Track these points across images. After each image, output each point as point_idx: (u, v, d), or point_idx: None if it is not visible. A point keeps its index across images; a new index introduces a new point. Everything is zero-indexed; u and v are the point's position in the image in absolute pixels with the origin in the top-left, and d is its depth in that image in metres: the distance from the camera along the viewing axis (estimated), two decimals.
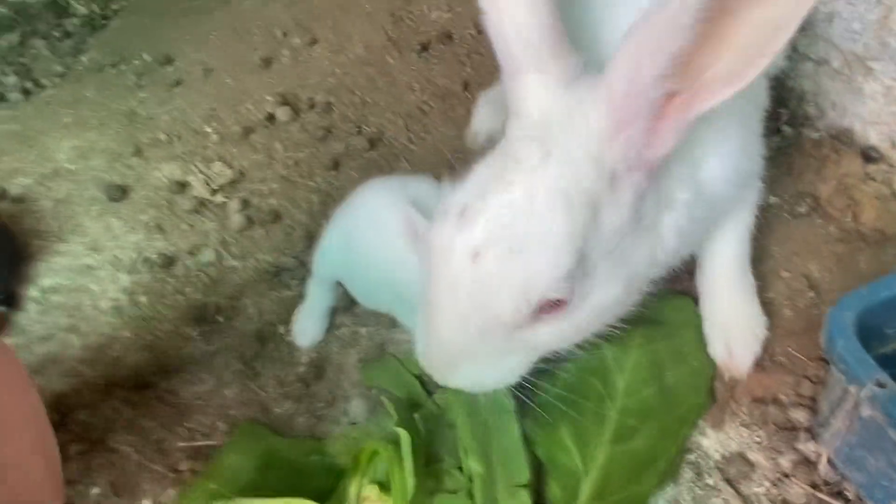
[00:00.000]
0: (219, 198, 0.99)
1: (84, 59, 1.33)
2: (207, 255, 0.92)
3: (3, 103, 1.21)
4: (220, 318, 0.86)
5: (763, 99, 0.72)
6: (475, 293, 0.49)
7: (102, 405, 0.80)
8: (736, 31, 0.42)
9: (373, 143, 1.08)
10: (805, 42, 0.92)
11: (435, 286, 0.51)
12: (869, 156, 0.90)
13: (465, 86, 1.13)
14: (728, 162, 0.62)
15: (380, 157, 1.05)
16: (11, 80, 1.25)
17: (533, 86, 0.53)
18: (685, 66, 0.43)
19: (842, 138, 0.94)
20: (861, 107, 0.91)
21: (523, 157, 0.50)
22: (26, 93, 1.22)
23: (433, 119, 1.11)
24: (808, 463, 0.68)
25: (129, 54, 1.31)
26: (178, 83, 1.23)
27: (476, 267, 0.48)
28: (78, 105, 1.19)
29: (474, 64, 1.22)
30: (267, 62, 1.24)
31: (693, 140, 0.56)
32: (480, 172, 0.52)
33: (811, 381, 0.74)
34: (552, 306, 0.50)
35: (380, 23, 1.31)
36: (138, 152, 1.09)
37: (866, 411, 0.58)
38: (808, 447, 0.69)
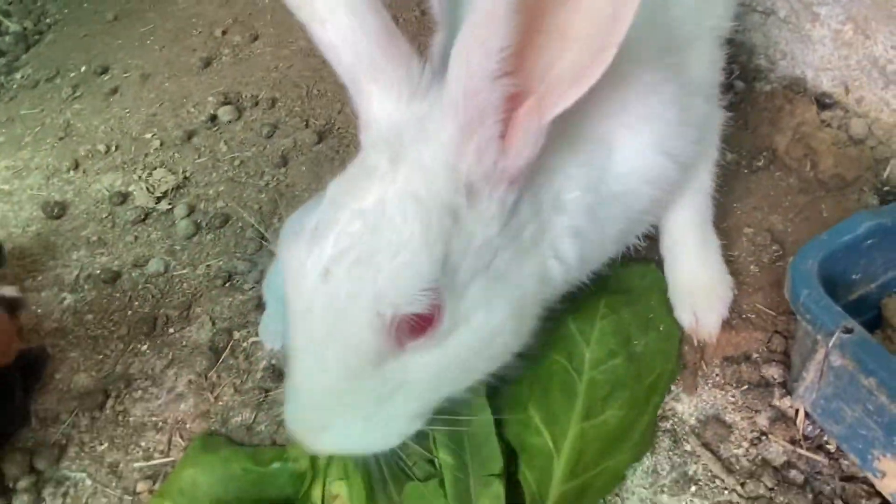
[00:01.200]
0: (163, 205, 0.95)
1: (18, 76, 1.28)
2: (154, 266, 0.87)
3: None
4: (171, 330, 0.81)
5: (699, 71, 0.66)
6: (327, 317, 0.43)
7: (50, 432, 0.74)
8: (571, 24, 0.39)
9: (321, 135, 1.04)
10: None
11: (291, 318, 0.44)
12: (823, 103, 0.90)
13: None
14: (639, 159, 0.57)
15: (329, 149, 1.02)
16: None
17: (375, 95, 0.49)
18: (523, 64, 0.40)
19: (794, 88, 0.93)
20: (811, 54, 0.90)
21: (373, 166, 0.46)
22: None
23: None
24: (785, 419, 0.67)
25: (64, 67, 1.27)
26: (114, 91, 1.18)
27: (326, 287, 0.42)
28: (11, 124, 1.15)
29: (421, 45, 1.16)
30: (207, 62, 1.20)
31: (587, 135, 0.53)
32: (335, 186, 0.47)
33: (783, 336, 0.73)
34: (417, 328, 0.44)
35: None
36: (76, 166, 1.04)
37: (837, 360, 0.57)
38: (784, 403, 0.67)
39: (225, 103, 1.10)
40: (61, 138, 1.10)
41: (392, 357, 0.43)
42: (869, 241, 0.64)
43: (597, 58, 0.39)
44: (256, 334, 0.80)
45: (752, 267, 0.81)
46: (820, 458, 0.66)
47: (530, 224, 0.50)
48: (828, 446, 0.66)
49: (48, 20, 1.40)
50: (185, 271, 0.90)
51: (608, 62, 0.39)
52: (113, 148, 1.06)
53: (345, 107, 1.09)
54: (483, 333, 0.47)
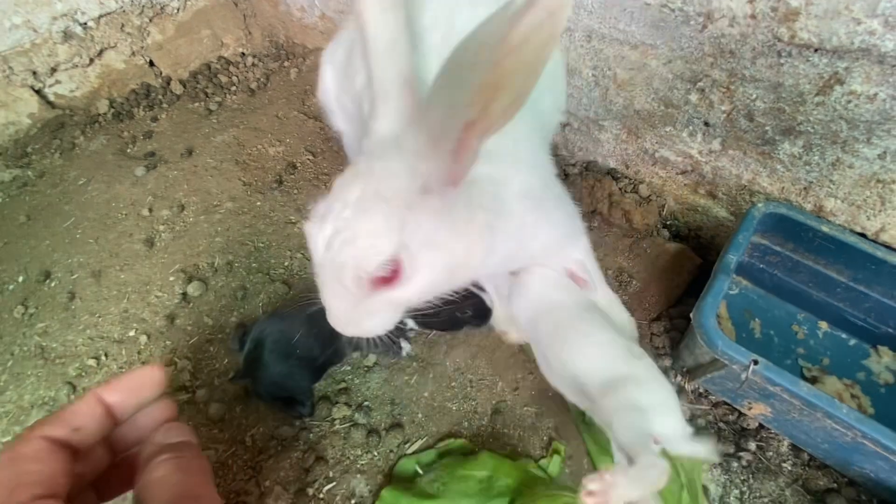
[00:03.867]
0: (183, 396, 0.97)
1: None
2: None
3: None
4: None
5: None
6: (331, 272, 0.59)
7: None
8: (509, 80, 0.47)
9: (286, 282, 1.12)
10: None
11: (316, 267, 0.61)
12: (614, 176, 1.19)
13: None
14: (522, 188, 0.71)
15: (298, 292, 1.10)
16: None
17: (383, 113, 0.61)
18: (482, 96, 0.48)
19: (591, 168, 1.21)
20: (599, 148, 1.19)
21: (360, 168, 0.60)
22: None
23: None
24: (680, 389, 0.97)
25: (3, 280, 1.16)
26: (72, 297, 1.12)
27: (328, 254, 0.58)
28: None
29: (323, 181, 1.31)
30: (149, 243, 1.20)
31: (499, 156, 0.66)
32: (338, 181, 0.60)
33: (677, 334, 1.01)
34: (386, 280, 0.59)
35: (230, 174, 1.34)
36: (73, 390, 0.98)
37: (752, 377, 0.76)
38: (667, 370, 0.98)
39: (189, 279, 1.12)
40: (42, 366, 1.02)
41: (374, 294, 0.60)
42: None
43: (518, 102, 0.50)
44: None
45: (623, 297, 1.01)
46: (704, 406, 0.94)
47: (463, 214, 0.62)
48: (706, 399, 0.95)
49: None
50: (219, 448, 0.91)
51: (523, 105, 0.50)
52: (103, 357, 1.03)
53: (294, 253, 1.18)
54: (428, 285, 0.62)
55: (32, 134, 1.44)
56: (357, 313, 0.63)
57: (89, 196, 1.32)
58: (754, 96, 0.90)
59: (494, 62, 0.45)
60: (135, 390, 0.46)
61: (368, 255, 0.57)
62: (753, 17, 0.81)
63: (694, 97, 0.97)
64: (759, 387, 0.81)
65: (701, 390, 0.96)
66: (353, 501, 0.86)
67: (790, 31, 0.79)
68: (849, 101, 0.80)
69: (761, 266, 1.05)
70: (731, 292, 1.08)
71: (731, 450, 0.92)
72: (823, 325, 1.04)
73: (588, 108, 1.14)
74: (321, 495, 0.87)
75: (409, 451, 0.91)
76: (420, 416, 0.95)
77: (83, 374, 1.02)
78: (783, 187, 0.98)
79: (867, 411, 0.93)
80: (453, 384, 0.99)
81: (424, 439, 0.92)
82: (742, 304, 1.07)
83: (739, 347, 0.78)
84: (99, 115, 1.53)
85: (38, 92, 1.43)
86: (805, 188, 0.95)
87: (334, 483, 0.88)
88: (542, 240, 0.78)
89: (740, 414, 0.95)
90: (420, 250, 0.59)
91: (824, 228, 0.92)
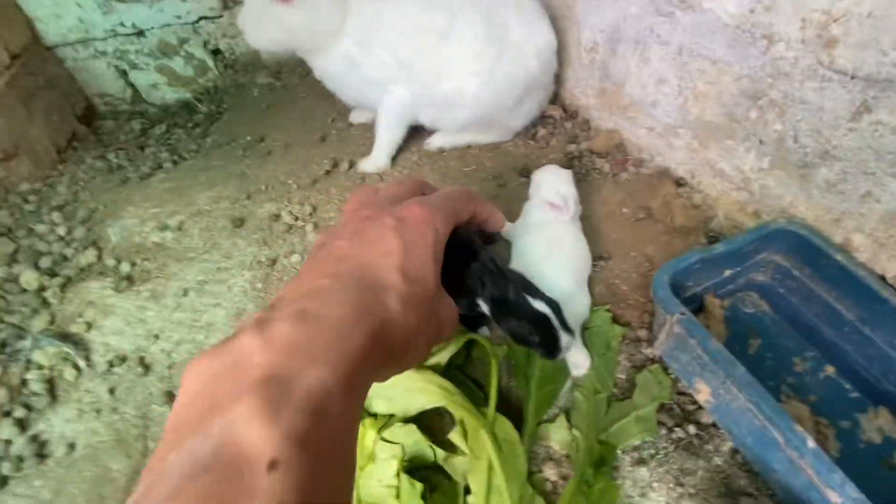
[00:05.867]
0: (299, 223, 1.32)
1: (209, 140, 1.74)
2: (295, 258, 1.16)
3: (160, 170, 1.60)
4: None
5: None
6: None
7: None
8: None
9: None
10: (640, 118, 1.34)
11: None
12: (679, 183, 1.27)
13: None
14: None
15: None
16: (164, 155, 1.66)
17: None
18: None
19: (663, 174, 1.32)
20: (673, 154, 1.29)
21: None
22: (175, 163, 1.63)
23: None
24: (648, 359, 1.00)
25: (237, 136, 1.72)
26: (269, 153, 1.61)
27: None
28: (208, 170, 1.56)
29: None
30: (323, 139, 1.65)
31: None
32: None
33: (649, 314, 1.01)
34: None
35: None
36: (248, 197, 1.41)
37: (676, 329, 0.80)
38: (647, 352, 1.00)
39: (333, 165, 1.52)
40: (239, 181, 1.49)
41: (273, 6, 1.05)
42: (696, 266, 0.89)
43: None
44: None
45: (633, 275, 1.07)
46: None
47: None
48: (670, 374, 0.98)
49: (225, 105, 1.91)
50: None
51: None
52: (269, 188, 1.45)
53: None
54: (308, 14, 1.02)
55: (288, 60, 2.08)
56: (253, 20, 0.94)
57: (305, 103, 1.86)
58: (800, 117, 0.96)
59: None
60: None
61: None
62: (803, 42, 0.90)
63: (753, 114, 1.06)
64: (695, 354, 0.87)
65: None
66: None
67: (830, 57, 0.86)
68: (875, 130, 0.84)
69: (781, 291, 1.06)
70: (744, 310, 1.09)
71: (669, 425, 0.98)
72: (830, 369, 0.98)
73: (670, 114, 1.27)
74: None
75: None
76: None
77: (256, 192, 1.43)
78: (817, 215, 0.99)
79: (828, 450, 0.89)
80: None
81: None
82: (750, 323, 1.06)
83: (675, 299, 0.83)
84: None
85: None
86: (837, 219, 0.96)
87: None
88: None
89: (699, 407, 0.99)
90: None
91: (838, 257, 0.92)
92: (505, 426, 0.72)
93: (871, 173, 0.87)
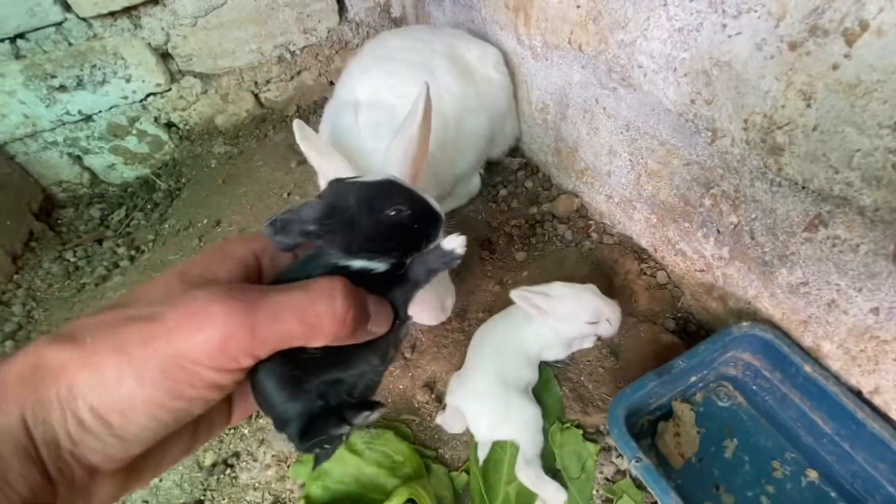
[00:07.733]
0: None
1: (167, 225, 1.67)
2: None
3: (117, 270, 1.56)
4: None
5: None
6: None
7: None
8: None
9: None
10: (597, 185, 1.25)
11: None
12: (641, 257, 1.18)
13: None
14: None
15: None
16: (122, 251, 1.60)
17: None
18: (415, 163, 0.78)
19: (625, 243, 1.23)
20: (633, 226, 1.20)
21: None
22: (132, 258, 1.58)
23: None
24: (618, 471, 0.94)
25: (194, 219, 1.66)
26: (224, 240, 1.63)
27: None
28: (164, 266, 1.52)
29: None
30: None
31: None
32: None
33: None
34: None
35: None
36: None
37: (633, 473, 0.83)
38: (618, 462, 0.94)
39: None
40: None
41: None
42: (655, 388, 0.87)
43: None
44: None
45: (599, 370, 1.04)
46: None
47: None
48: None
49: (184, 180, 1.85)
50: None
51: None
52: None
53: None
54: None
55: (245, 123, 2.01)
56: None
57: (260, 174, 1.79)
58: (754, 216, 0.86)
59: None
60: None
61: None
62: (747, 143, 0.80)
63: (707, 202, 0.96)
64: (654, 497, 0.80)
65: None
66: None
67: (777, 164, 0.77)
68: (833, 245, 0.74)
69: (753, 388, 0.98)
70: (719, 403, 1.01)
71: None
72: (812, 473, 0.90)
73: (625, 187, 1.18)
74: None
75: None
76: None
77: None
78: (784, 314, 0.90)
79: None
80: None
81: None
82: (726, 419, 0.99)
83: (631, 441, 0.78)
84: (287, 116, 2.04)
85: (255, 95, 1.99)
86: (804, 322, 0.87)
87: None
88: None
89: None
90: None
91: (807, 368, 0.83)
92: None
93: (834, 284, 0.77)
